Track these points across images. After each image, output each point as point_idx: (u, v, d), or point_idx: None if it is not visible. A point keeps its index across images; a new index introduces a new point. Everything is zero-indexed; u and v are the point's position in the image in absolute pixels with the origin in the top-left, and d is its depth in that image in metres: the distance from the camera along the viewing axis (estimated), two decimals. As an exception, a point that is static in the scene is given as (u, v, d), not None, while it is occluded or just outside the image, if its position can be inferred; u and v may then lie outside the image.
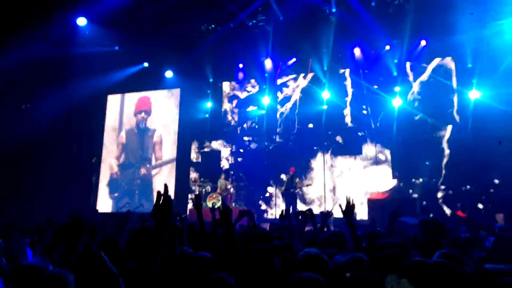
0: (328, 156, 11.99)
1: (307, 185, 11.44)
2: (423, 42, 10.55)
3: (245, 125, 13.06)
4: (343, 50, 11.53)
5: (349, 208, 3.20)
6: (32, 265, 2.37)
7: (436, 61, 11.14)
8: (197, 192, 11.71)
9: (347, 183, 11.65)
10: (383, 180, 11.29)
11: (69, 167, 12.87)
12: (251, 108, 13.08)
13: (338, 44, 11.26)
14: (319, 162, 12.05)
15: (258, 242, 3.58)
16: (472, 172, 10.01)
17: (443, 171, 10.66)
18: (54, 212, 9.70)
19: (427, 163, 10.81)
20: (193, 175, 12.99)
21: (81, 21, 11.54)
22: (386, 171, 11.36)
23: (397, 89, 11.34)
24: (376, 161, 11.47)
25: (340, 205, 3.41)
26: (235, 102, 13.36)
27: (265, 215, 12.12)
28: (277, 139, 12.63)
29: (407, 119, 11.11)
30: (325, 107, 12.01)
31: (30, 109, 13.52)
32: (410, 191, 10.81)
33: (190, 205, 12.13)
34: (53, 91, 12.72)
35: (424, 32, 10.32)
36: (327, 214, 5.02)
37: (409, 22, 9.87)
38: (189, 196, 12.51)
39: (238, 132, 13.10)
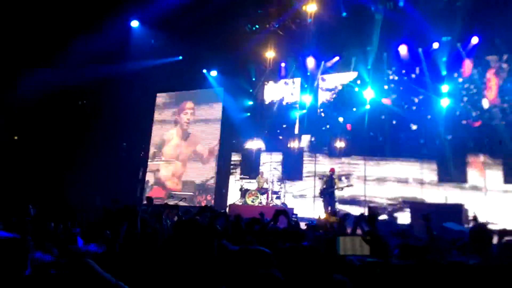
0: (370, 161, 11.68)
1: (347, 186, 11.24)
2: (474, 39, 9.98)
3: (284, 125, 13.11)
4: (389, 48, 11.21)
5: (372, 217, 3.24)
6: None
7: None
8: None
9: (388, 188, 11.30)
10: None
11: (119, 160, 13.70)
12: (293, 107, 13.11)
13: (383, 42, 10.98)
14: (360, 164, 11.79)
15: (290, 240, 3.69)
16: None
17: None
18: (103, 202, 10.48)
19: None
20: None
21: (134, 23, 12.30)
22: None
23: (445, 88, 10.84)
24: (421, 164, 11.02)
25: (363, 214, 3.46)
26: (277, 101, 13.44)
27: (302, 214, 12.04)
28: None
29: (455, 119, 10.57)
30: (367, 106, 11.75)
31: (86, 105, 14.57)
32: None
33: (229, 201, 12.43)
34: (107, 89, 13.65)
35: (476, 29, 9.76)
36: (360, 217, 5.02)
37: (460, 18, 9.38)
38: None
39: (279, 131, 13.17)
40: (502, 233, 3.73)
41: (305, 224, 6.25)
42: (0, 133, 12.68)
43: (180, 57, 13.36)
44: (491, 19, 9.44)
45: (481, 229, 3.41)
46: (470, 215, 9.20)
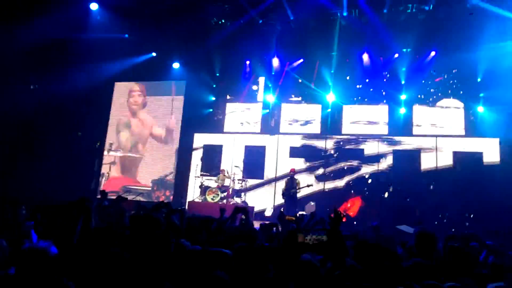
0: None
1: (307, 186, 11.43)
2: (432, 53, 10.51)
3: (248, 122, 13.11)
4: (351, 55, 11.50)
5: (336, 219, 3.27)
6: (38, 248, 2.40)
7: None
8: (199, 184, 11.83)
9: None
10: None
11: (72, 151, 13.03)
12: (255, 106, 13.13)
13: (347, 49, 11.25)
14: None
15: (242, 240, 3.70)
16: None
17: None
18: (54, 194, 9.95)
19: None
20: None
21: (93, 6, 11.64)
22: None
23: (403, 97, 11.36)
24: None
25: (329, 216, 3.48)
26: (239, 98, 13.39)
27: (265, 213, 12.19)
28: (282, 139, 12.67)
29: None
30: (329, 110, 12.06)
31: (38, 90, 13.65)
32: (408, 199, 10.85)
33: (188, 198, 12.27)
34: (62, 74, 12.85)
35: (435, 44, 10.26)
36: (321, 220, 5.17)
37: (420, 32, 9.81)
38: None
39: (241, 127, 13.16)
40: (449, 237, 3.97)
41: (259, 224, 6.28)
42: None
43: (126, 35, 12.54)
44: (448, 35, 9.96)
45: (425, 233, 3.59)
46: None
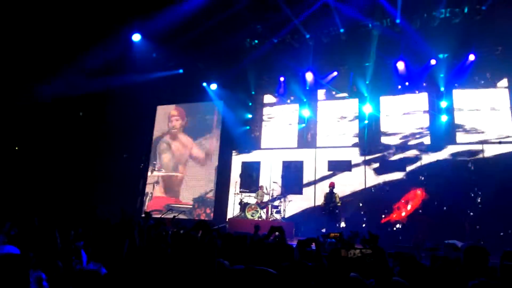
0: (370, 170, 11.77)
1: (348, 201, 11.25)
2: (471, 57, 10.15)
3: (285, 139, 13.21)
4: (386, 64, 11.37)
5: (373, 238, 3.23)
6: (90, 270, 2.63)
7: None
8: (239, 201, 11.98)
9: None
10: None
11: (118, 171, 13.76)
12: (292, 121, 13.24)
13: (381, 58, 11.15)
14: (361, 177, 11.85)
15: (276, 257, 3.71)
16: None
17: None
18: (102, 214, 10.49)
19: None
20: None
21: (136, 37, 12.48)
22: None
23: (443, 104, 10.98)
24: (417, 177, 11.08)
25: (364, 237, 3.43)
26: (276, 115, 13.58)
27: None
28: (320, 153, 12.62)
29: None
30: (366, 121, 11.89)
31: (86, 117, 14.70)
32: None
33: (229, 215, 12.43)
34: (109, 102, 13.82)
35: (473, 46, 9.92)
36: (355, 235, 5.11)
37: (456, 36, 9.55)
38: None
39: (278, 144, 13.27)
40: (506, 254, 3.66)
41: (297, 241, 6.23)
42: (2, 143, 12.79)
43: (181, 71, 13.54)
44: (486, 36, 9.61)
45: (475, 248, 3.38)
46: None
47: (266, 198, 11.79)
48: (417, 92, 11.59)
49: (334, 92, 12.66)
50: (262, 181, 12.66)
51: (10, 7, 9.95)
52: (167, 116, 15.00)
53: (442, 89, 10.97)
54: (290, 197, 11.87)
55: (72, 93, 12.78)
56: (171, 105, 14.94)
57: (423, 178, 10.94)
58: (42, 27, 10.91)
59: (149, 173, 14.57)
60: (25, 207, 9.34)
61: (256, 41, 11.98)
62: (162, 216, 10.10)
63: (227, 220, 11.97)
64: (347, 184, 11.79)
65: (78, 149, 13.49)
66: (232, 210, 12.40)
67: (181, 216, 12.71)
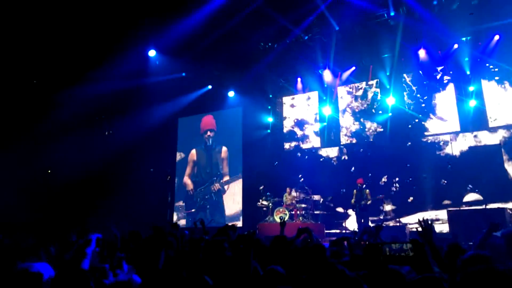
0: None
1: (379, 198, 10.95)
2: (496, 37, 9.64)
3: (307, 139, 13.03)
4: (407, 53, 10.99)
5: (427, 231, 2.98)
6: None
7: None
8: (264, 205, 11.89)
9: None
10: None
11: (146, 185, 14.00)
12: (313, 121, 13.05)
13: (401, 48, 10.79)
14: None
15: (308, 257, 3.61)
16: None
17: None
18: (134, 227, 10.67)
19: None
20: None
21: (151, 53, 12.68)
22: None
23: (471, 88, 10.50)
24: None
25: (417, 229, 3.24)
26: (296, 115, 13.42)
27: (333, 230, 11.82)
28: (344, 151, 12.36)
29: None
30: (390, 114, 11.54)
31: (112, 135, 15.06)
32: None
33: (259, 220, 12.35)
34: (131, 118, 14.09)
35: (496, 27, 9.43)
36: (379, 227, 4.88)
37: (478, 17, 9.10)
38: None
39: (301, 145, 13.10)
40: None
41: (329, 240, 6.08)
42: (32, 162, 13.26)
43: (183, 74, 13.33)
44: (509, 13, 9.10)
45: None
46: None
47: (293, 201, 11.63)
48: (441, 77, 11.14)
49: (353, 87, 12.35)
50: (288, 184, 12.48)
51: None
52: (188, 127, 15.10)
53: (468, 72, 10.49)
54: (316, 197, 11.68)
55: (98, 114, 13.16)
56: (193, 116, 15.00)
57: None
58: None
59: (176, 185, 14.71)
60: (61, 225, 9.64)
61: (270, 44, 11.87)
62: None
63: (257, 225, 11.89)
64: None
65: (106, 168, 13.77)
66: (261, 215, 12.29)
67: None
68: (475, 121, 10.41)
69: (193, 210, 14.05)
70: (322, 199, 12.07)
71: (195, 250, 3.81)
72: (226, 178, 13.73)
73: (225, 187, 13.68)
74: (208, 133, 14.37)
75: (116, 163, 13.94)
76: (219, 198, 13.71)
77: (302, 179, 12.60)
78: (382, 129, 11.85)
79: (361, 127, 12.20)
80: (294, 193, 11.80)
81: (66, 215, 12.08)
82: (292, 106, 13.63)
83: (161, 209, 14.37)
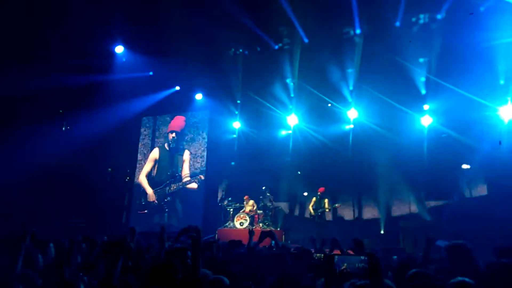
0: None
1: (337, 207, 11.29)
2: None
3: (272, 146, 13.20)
4: (369, 70, 11.52)
5: (374, 266, 2.56)
6: None
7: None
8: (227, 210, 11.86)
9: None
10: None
11: (103, 185, 13.46)
12: (278, 129, 13.27)
13: (363, 64, 11.30)
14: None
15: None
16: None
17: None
18: (89, 230, 10.21)
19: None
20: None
21: (119, 49, 12.37)
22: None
23: (426, 107, 11.19)
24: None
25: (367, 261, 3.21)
26: (260, 123, 13.58)
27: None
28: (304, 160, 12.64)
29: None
30: (351, 126, 12.02)
31: (70, 131, 14.36)
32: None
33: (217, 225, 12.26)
34: (92, 115, 13.54)
35: (452, 50, 10.14)
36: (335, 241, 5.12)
37: (436, 40, 9.78)
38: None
39: (266, 152, 13.22)
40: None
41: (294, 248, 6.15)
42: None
43: (151, 73, 13.27)
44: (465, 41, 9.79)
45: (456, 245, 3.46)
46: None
47: (253, 207, 11.68)
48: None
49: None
50: (249, 190, 12.49)
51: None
52: (152, 128, 14.76)
53: (424, 92, 11.16)
54: (278, 204, 11.83)
55: (54, 107, 12.51)
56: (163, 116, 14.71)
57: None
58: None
59: (134, 186, 14.25)
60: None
61: (241, 50, 12.02)
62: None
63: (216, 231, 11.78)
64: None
65: (61, 164, 13.08)
66: (221, 220, 12.20)
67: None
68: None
69: (145, 211, 13.61)
70: (282, 206, 12.26)
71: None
72: (187, 179, 13.49)
73: (187, 186, 13.43)
74: (173, 134, 14.13)
75: (72, 161, 13.29)
76: (177, 200, 13.42)
77: (264, 187, 12.67)
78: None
79: (324, 138, 12.53)
80: (251, 201, 11.82)
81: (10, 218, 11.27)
82: (259, 113, 13.73)
83: (116, 210, 13.84)
